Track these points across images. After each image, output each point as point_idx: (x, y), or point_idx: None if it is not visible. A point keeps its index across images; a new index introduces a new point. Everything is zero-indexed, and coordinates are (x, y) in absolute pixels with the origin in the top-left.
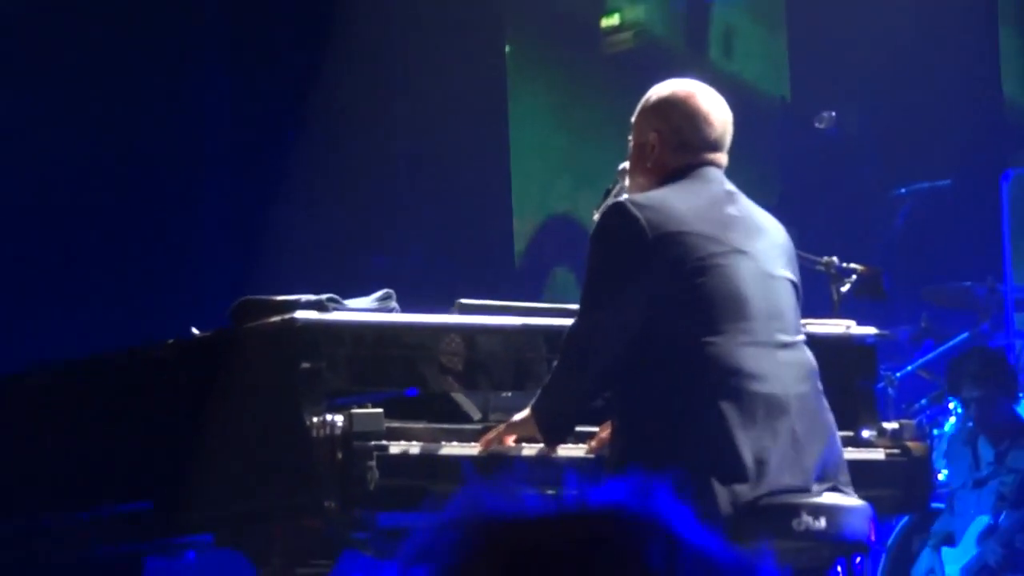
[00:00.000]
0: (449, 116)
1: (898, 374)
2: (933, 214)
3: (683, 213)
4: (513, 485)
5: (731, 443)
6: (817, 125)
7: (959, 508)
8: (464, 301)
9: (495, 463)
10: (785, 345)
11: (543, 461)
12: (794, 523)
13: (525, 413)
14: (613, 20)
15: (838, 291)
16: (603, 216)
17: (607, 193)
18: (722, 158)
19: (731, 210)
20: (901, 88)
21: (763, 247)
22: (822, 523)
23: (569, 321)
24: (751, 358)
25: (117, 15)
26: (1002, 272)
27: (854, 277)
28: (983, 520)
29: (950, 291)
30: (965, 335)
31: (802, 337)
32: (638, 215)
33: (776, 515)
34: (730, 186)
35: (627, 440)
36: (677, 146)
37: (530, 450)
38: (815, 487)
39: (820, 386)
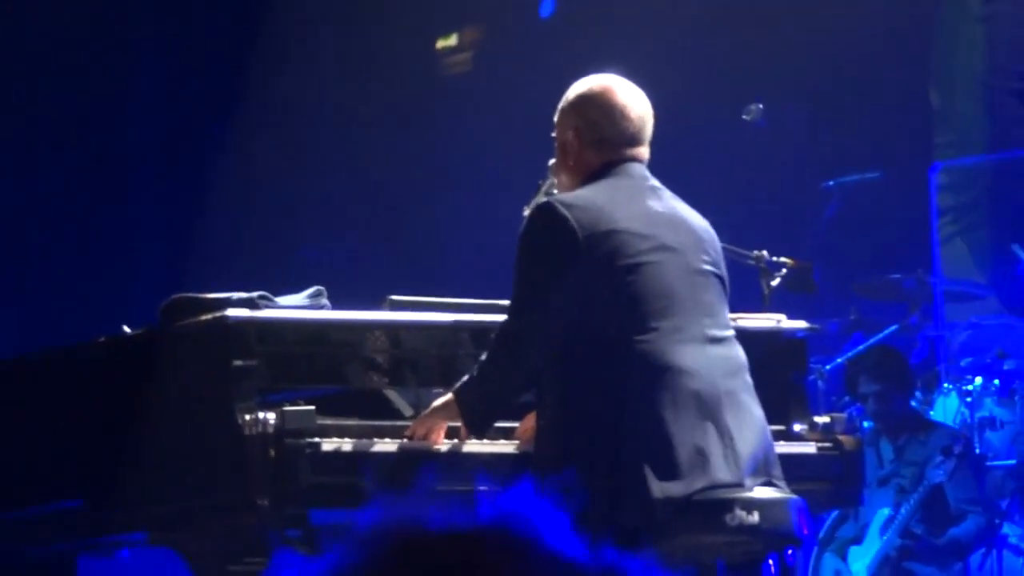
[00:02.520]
0: (377, 107)
1: (828, 367)
2: (862, 207)
3: (610, 211)
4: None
5: (663, 439)
6: (744, 117)
7: (864, 509)
8: (395, 297)
9: (425, 459)
10: (714, 340)
11: (460, 458)
12: (727, 518)
13: (448, 398)
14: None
15: (768, 285)
16: (531, 217)
17: (538, 188)
18: (643, 152)
19: (656, 206)
20: (830, 80)
21: (689, 242)
22: (755, 517)
23: (500, 317)
24: (681, 354)
25: (46, 13)
26: (931, 264)
27: (784, 271)
28: (884, 513)
29: (880, 284)
30: (894, 327)
31: (731, 332)
32: (566, 215)
33: (709, 510)
34: (654, 181)
35: (558, 438)
36: (596, 142)
37: (449, 447)
38: (748, 481)
39: (750, 380)
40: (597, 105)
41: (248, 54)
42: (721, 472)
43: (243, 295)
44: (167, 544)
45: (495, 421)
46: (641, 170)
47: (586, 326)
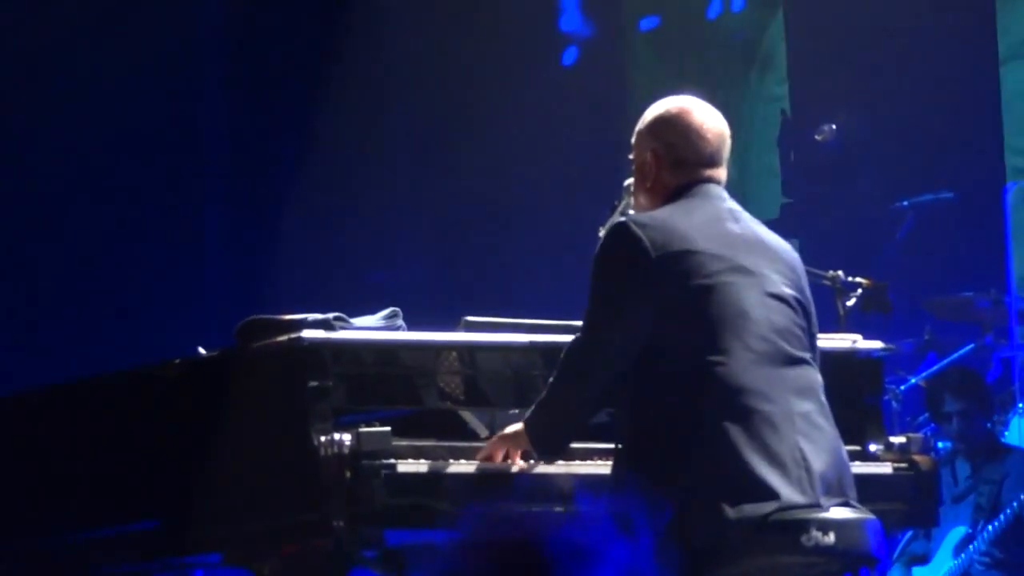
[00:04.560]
0: (450, 131)
1: (903, 387)
2: (936, 226)
3: (685, 231)
4: (518, 505)
5: (738, 461)
6: (817, 138)
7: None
8: (470, 318)
9: (502, 481)
10: (789, 361)
11: (535, 480)
12: (803, 538)
13: (517, 427)
14: None
15: (844, 305)
16: (606, 236)
17: (613, 209)
18: (721, 173)
19: (733, 227)
20: (903, 100)
21: (766, 265)
22: (831, 538)
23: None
24: (755, 376)
25: (119, 38)
26: (1005, 284)
27: (859, 291)
28: (960, 531)
29: (953, 303)
30: (969, 347)
31: (807, 355)
32: (640, 235)
33: (785, 531)
34: (732, 203)
35: (632, 459)
36: (674, 164)
37: (537, 467)
38: (823, 502)
39: (825, 401)
40: (674, 126)
41: (322, 76)
42: (795, 493)
43: (319, 316)
44: (242, 565)
45: (565, 445)
46: (719, 191)
47: (658, 347)
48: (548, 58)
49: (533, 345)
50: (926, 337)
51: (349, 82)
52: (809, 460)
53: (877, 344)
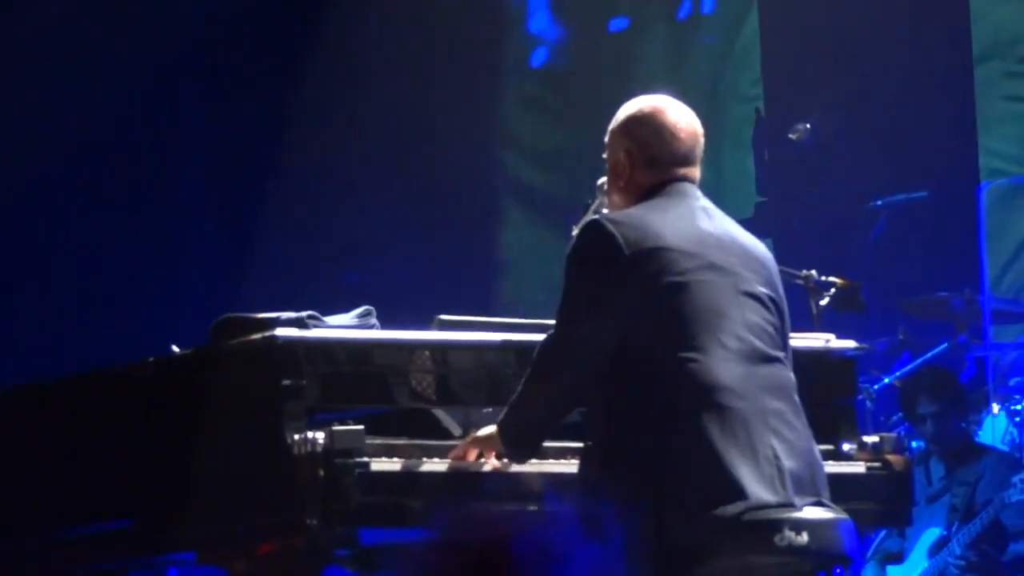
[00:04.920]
0: (429, 128)
1: (876, 387)
2: (910, 226)
3: (659, 229)
4: (491, 504)
5: (711, 459)
6: (791, 137)
7: (910, 527)
8: (444, 317)
9: (475, 480)
10: (762, 360)
11: (507, 479)
12: (776, 538)
13: (490, 429)
14: None
15: (817, 304)
16: (579, 234)
17: (586, 208)
18: (694, 172)
19: (707, 226)
20: (877, 99)
21: (740, 263)
22: (804, 538)
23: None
24: (729, 374)
25: (96, 35)
26: (979, 283)
27: (833, 290)
28: (934, 532)
29: (927, 303)
30: (943, 347)
31: (781, 353)
32: (614, 232)
33: (758, 531)
34: (706, 202)
35: (605, 458)
36: (647, 163)
37: (510, 466)
38: (796, 501)
39: (798, 401)
40: (647, 125)
41: (299, 73)
42: (767, 492)
43: (292, 315)
44: (216, 563)
45: (539, 445)
46: (693, 190)
47: (632, 344)
48: (518, 59)
49: (506, 344)
50: (900, 337)
51: (327, 80)
52: (781, 459)
53: (850, 343)
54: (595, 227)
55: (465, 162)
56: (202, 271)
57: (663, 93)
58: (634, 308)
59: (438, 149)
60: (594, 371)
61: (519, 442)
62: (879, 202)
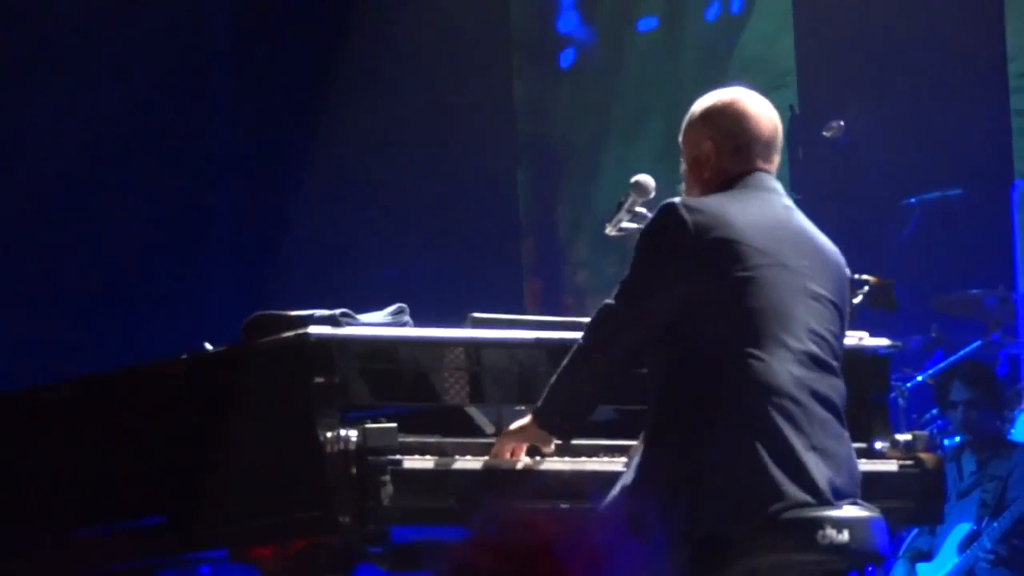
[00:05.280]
0: (459, 126)
1: (909, 385)
2: (944, 223)
3: (734, 220)
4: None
5: (756, 457)
6: (825, 134)
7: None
8: (477, 315)
9: (509, 478)
10: (820, 367)
11: (543, 476)
12: (819, 535)
13: (524, 420)
14: None
15: (850, 302)
16: (655, 214)
17: (619, 206)
18: (775, 162)
19: (785, 223)
20: (911, 97)
21: (810, 265)
22: (845, 536)
23: (580, 335)
24: (785, 376)
25: (126, 36)
26: (1012, 281)
27: (866, 288)
28: (964, 528)
29: (960, 300)
30: (977, 344)
31: (836, 362)
32: (687, 218)
33: (801, 528)
34: (787, 199)
35: (651, 443)
36: (733, 151)
37: (547, 464)
38: (836, 501)
39: (843, 411)
40: (730, 114)
41: (331, 70)
42: (808, 494)
43: (325, 312)
44: (248, 561)
45: (579, 420)
46: (775, 183)
47: (692, 332)
48: (546, 59)
49: (539, 342)
50: (933, 334)
51: (360, 77)
52: (824, 466)
53: (884, 341)
54: (670, 210)
55: (501, 161)
56: (236, 268)
57: (695, 94)
58: (696, 295)
59: (469, 148)
60: (638, 351)
61: (559, 421)
62: (913, 200)
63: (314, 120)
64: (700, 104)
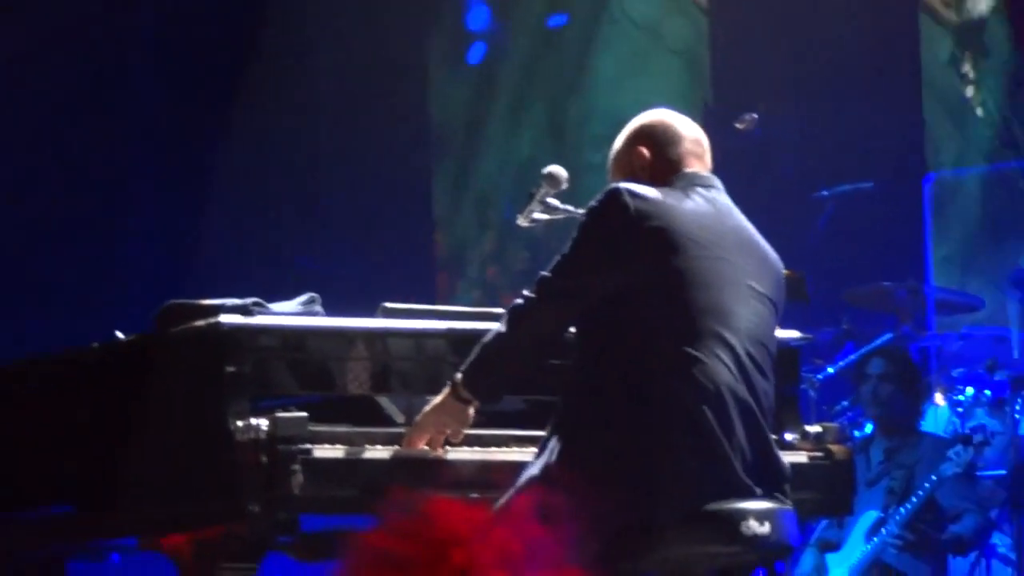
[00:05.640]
0: (374, 118)
1: (819, 377)
2: (855, 216)
3: (675, 211)
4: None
5: (683, 447)
6: (738, 127)
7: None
8: (388, 305)
9: (418, 467)
10: (754, 363)
11: (451, 465)
12: (742, 527)
13: (444, 391)
14: None
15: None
16: (600, 196)
17: (531, 197)
18: (708, 165)
19: (726, 220)
20: (824, 90)
21: (751, 262)
22: (766, 528)
23: (494, 325)
24: (719, 368)
25: (46, 23)
26: (923, 274)
27: None
28: (871, 515)
29: (872, 293)
30: (887, 337)
31: (770, 361)
32: (629, 203)
33: (724, 520)
34: (726, 197)
35: (574, 435)
36: (668, 151)
37: (455, 454)
38: (759, 492)
39: (774, 408)
40: (659, 125)
41: (247, 64)
42: (733, 486)
43: (237, 302)
44: (158, 549)
45: (503, 386)
46: (715, 180)
47: (623, 321)
48: (457, 54)
49: (450, 332)
50: (844, 327)
51: (276, 68)
52: (748, 458)
53: (794, 334)
54: (614, 194)
55: (404, 157)
56: (149, 258)
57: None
58: (632, 282)
59: (380, 142)
60: (563, 329)
61: (483, 386)
62: (825, 192)
63: (229, 111)
64: (626, 130)
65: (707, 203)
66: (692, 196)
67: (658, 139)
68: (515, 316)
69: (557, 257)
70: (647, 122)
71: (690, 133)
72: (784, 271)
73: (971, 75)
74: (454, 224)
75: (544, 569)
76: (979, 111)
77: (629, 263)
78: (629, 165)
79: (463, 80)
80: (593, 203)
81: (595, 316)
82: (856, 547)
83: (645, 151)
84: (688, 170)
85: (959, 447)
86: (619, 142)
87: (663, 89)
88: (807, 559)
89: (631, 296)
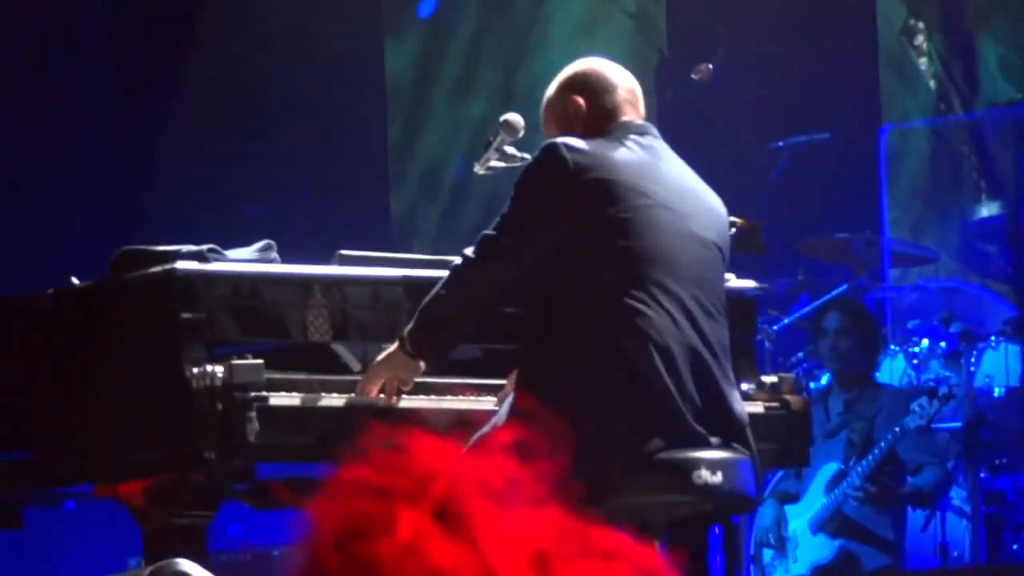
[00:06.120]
0: (325, 67)
1: (776, 328)
2: (811, 168)
3: (614, 162)
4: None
5: (633, 397)
6: (694, 77)
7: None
8: (344, 252)
9: (372, 415)
10: (703, 310)
11: (404, 413)
12: (693, 476)
13: (393, 346)
14: None
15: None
16: (536, 154)
17: (488, 145)
18: (643, 113)
19: (663, 167)
20: (780, 41)
21: (694, 208)
22: (719, 477)
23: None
24: (666, 317)
25: None
26: (879, 226)
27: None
28: (832, 467)
29: (827, 244)
30: (843, 288)
31: (720, 305)
32: (567, 156)
33: (676, 469)
34: (663, 144)
35: (531, 388)
36: (602, 100)
37: (409, 402)
38: (713, 441)
39: (729, 355)
40: (592, 73)
41: (198, 10)
42: (687, 434)
43: (192, 248)
44: (113, 496)
45: (447, 344)
46: (651, 129)
47: (568, 275)
48: (408, 7)
49: (406, 279)
50: (800, 278)
51: (231, 18)
52: (704, 410)
53: (750, 283)
54: (551, 148)
55: (356, 107)
56: (102, 203)
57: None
58: (575, 236)
59: (340, 87)
60: (509, 286)
61: (427, 345)
62: (780, 143)
63: (183, 60)
64: (558, 78)
65: (645, 151)
66: (629, 145)
67: (592, 88)
68: (457, 276)
69: (499, 216)
70: (581, 70)
71: (624, 82)
72: (730, 217)
73: (924, 46)
74: (406, 180)
75: (522, 503)
76: (932, 83)
77: (570, 217)
78: (564, 114)
79: (414, 34)
80: (531, 159)
81: (540, 271)
82: (816, 499)
83: (580, 100)
84: (624, 118)
85: (924, 399)
86: (552, 89)
87: (617, 51)
88: (767, 511)
89: (573, 250)
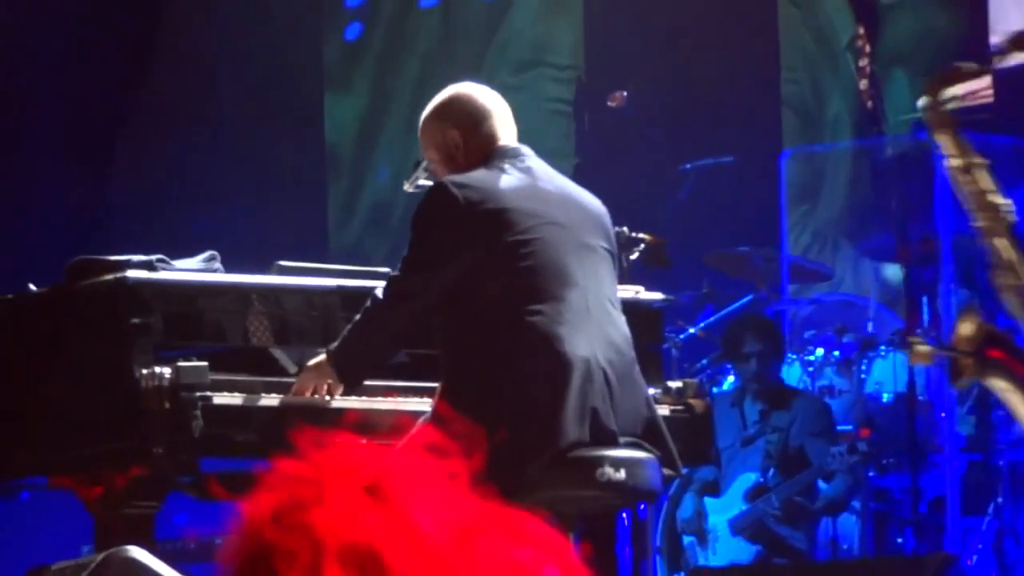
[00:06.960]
0: (270, 83)
1: (681, 336)
2: (716, 188)
3: (500, 191)
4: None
5: (541, 404)
6: (610, 104)
7: (726, 463)
8: (283, 263)
9: (306, 414)
10: (600, 313)
11: (334, 413)
12: (597, 473)
13: (321, 357)
14: None
15: (627, 259)
16: (426, 195)
17: (416, 164)
18: (515, 134)
19: (545, 185)
20: (690, 72)
21: (579, 219)
22: (622, 474)
23: (380, 283)
24: (567, 326)
25: None
26: (779, 242)
27: (642, 246)
28: (750, 477)
29: (730, 257)
30: (748, 298)
31: (618, 307)
32: (457, 193)
33: (582, 466)
34: (540, 162)
35: (451, 396)
36: (477, 131)
37: (341, 402)
38: (621, 441)
39: (633, 354)
40: (461, 102)
41: (150, 24)
42: (596, 433)
43: (142, 258)
44: (66, 488)
45: (363, 376)
46: (528, 151)
47: (470, 300)
48: (337, 31)
49: (340, 289)
50: (704, 290)
51: (177, 25)
52: (606, 406)
53: (658, 295)
54: (440, 189)
55: (303, 122)
56: (59, 218)
57: (470, 73)
58: (474, 265)
59: (272, 107)
60: (422, 318)
61: (348, 374)
62: (688, 166)
63: (133, 70)
64: (430, 106)
65: (523, 173)
66: (508, 171)
67: (467, 121)
68: (369, 315)
69: (401, 260)
70: (454, 102)
71: (494, 106)
72: (638, 234)
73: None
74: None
75: (449, 498)
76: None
77: (469, 249)
78: (444, 145)
79: (343, 56)
80: (422, 202)
81: (449, 298)
82: (735, 503)
83: (456, 135)
84: (499, 144)
85: (844, 448)
86: (429, 119)
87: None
88: (687, 503)
89: (476, 276)
